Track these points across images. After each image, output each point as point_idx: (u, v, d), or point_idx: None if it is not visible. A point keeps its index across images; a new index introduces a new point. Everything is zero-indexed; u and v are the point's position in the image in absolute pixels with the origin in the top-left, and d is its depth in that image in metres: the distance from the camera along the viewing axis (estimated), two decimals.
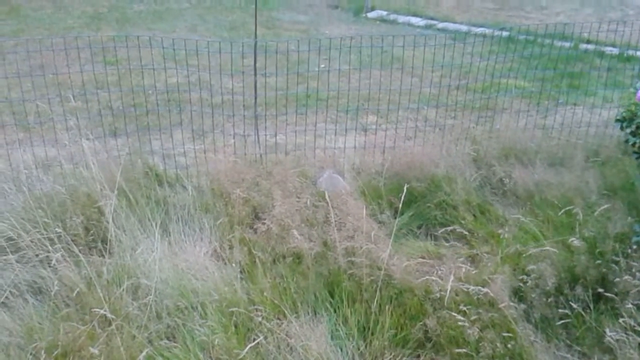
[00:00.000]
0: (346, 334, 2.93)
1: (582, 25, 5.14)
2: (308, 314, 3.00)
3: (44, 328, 2.82)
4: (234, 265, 3.35)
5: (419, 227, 3.91)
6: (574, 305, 3.01)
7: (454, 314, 2.84)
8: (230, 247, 3.52)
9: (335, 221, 3.46)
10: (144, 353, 2.62)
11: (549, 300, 3.11)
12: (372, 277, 3.17)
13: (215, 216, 3.75)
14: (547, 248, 3.19)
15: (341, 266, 3.28)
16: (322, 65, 6.48)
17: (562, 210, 3.54)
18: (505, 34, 7.34)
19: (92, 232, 3.48)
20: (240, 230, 3.64)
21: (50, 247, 3.15)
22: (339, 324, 2.98)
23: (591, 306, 3.04)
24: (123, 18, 10.07)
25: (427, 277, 3.05)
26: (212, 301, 3.03)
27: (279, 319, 2.97)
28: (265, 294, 3.11)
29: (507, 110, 5.28)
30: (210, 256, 3.46)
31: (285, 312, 2.99)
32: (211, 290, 3.10)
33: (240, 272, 3.34)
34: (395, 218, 3.71)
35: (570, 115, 5.02)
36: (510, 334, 2.81)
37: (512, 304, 2.95)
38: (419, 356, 2.90)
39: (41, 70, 4.83)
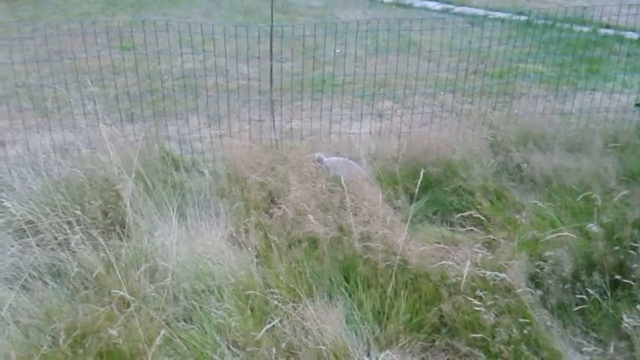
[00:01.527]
0: (361, 318, 2.94)
1: (601, 9, 5.05)
2: (323, 298, 3.01)
3: (63, 310, 2.86)
4: (249, 249, 3.37)
5: (435, 213, 3.89)
6: (591, 292, 2.99)
7: (470, 299, 2.83)
8: (246, 232, 3.54)
9: (351, 206, 3.45)
10: (161, 334, 2.64)
11: (566, 286, 3.09)
12: (387, 262, 3.17)
13: (231, 201, 3.76)
14: (565, 234, 3.16)
15: (356, 251, 3.28)
16: (338, 50, 6.44)
17: (581, 196, 3.50)
18: (523, 18, 7.25)
19: (110, 215, 3.51)
20: (256, 215, 3.65)
21: (69, 230, 3.19)
22: (354, 309, 2.99)
23: (608, 293, 3.01)
24: (138, 4, 10.09)
25: (444, 262, 3.04)
26: (228, 284, 3.05)
27: (294, 302, 2.98)
28: (280, 278, 3.12)
29: (525, 95, 5.22)
30: (226, 240, 3.48)
31: (301, 295, 3.00)
32: (227, 274, 3.12)
33: (256, 256, 3.36)
34: (411, 204, 3.70)
35: (588, 101, 4.96)
36: (526, 320, 2.80)
37: (528, 289, 2.93)
38: (434, 341, 2.90)
39: (58, 56, 4.86)
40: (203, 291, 3.04)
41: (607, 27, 7.26)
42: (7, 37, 5.70)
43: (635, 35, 7.12)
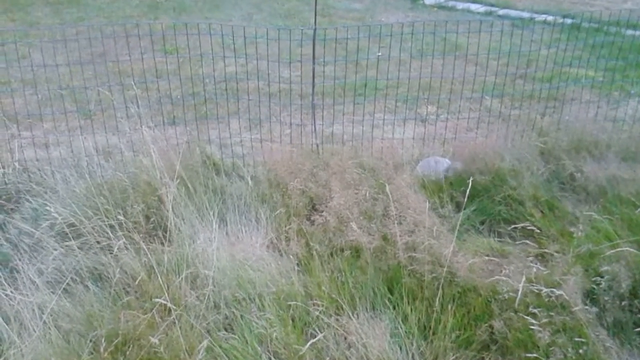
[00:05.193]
0: (406, 332, 2.83)
1: None
2: (367, 310, 2.92)
3: (104, 315, 2.83)
4: (291, 257, 3.29)
5: (482, 223, 3.75)
6: None
7: (524, 316, 2.69)
8: (287, 239, 3.47)
9: (396, 214, 3.35)
10: (203, 344, 2.59)
11: (623, 303, 2.93)
12: (433, 274, 3.06)
13: (272, 206, 3.70)
14: (625, 249, 2.99)
15: (401, 262, 3.18)
16: (379, 54, 6.34)
17: (639, 209, 3.33)
18: (569, 21, 7.02)
19: (152, 220, 3.49)
20: (297, 222, 3.58)
21: (111, 234, 3.17)
22: (399, 322, 2.89)
23: None
24: (180, 7, 10.16)
25: (495, 276, 2.90)
26: (269, 293, 2.98)
27: (337, 314, 2.90)
28: (322, 287, 3.04)
29: (575, 100, 5.02)
30: (266, 247, 3.42)
31: (343, 306, 2.91)
32: (268, 282, 3.05)
33: (297, 264, 3.28)
34: (458, 212, 3.58)
35: None
36: (582, 339, 2.65)
37: (585, 307, 2.78)
38: (483, 358, 2.77)
39: (102, 58, 4.89)
40: (244, 299, 2.98)
41: None
42: (51, 40, 5.78)
43: None
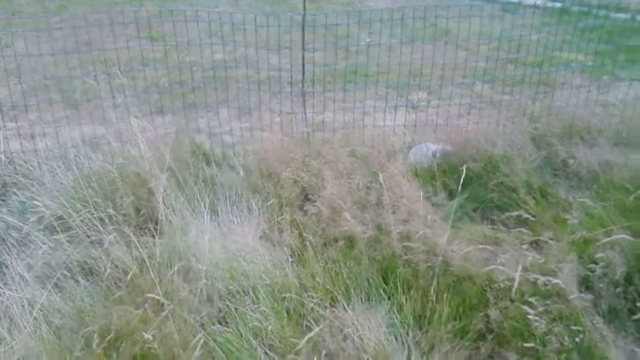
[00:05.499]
0: (401, 322, 2.82)
1: None
2: (362, 300, 2.89)
3: (96, 311, 2.78)
4: (284, 248, 3.26)
5: (475, 210, 3.73)
6: None
7: (520, 305, 2.68)
8: (280, 230, 3.43)
9: (389, 203, 3.32)
10: (197, 338, 2.55)
11: (618, 290, 2.93)
12: (428, 264, 3.04)
13: (264, 197, 3.66)
14: (622, 236, 2.97)
15: (396, 251, 3.15)
16: (368, 40, 6.28)
17: (632, 195, 3.32)
18: (558, 4, 6.98)
19: (142, 212, 3.43)
20: (290, 212, 3.54)
21: (101, 228, 3.12)
22: (394, 312, 2.87)
23: None
24: None
25: (491, 265, 2.89)
26: (263, 285, 2.95)
27: (332, 305, 2.87)
28: (317, 278, 3.01)
29: (566, 85, 5.00)
30: (259, 238, 3.37)
31: (338, 297, 2.89)
32: (262, 274, 3.02)
33: (291, 255, 3.25)
34: (451, 200, 3.55)
35: (631, 92, 4.73)
36: (578, 328, 2.64)
37: (580, 295, 2.78)
38: (479, 347, 2.76)
39: (87, 47, 4.78)
40: (238, 292, 2.95)
41: None
42: (35, 29, 5.64)
43: None
